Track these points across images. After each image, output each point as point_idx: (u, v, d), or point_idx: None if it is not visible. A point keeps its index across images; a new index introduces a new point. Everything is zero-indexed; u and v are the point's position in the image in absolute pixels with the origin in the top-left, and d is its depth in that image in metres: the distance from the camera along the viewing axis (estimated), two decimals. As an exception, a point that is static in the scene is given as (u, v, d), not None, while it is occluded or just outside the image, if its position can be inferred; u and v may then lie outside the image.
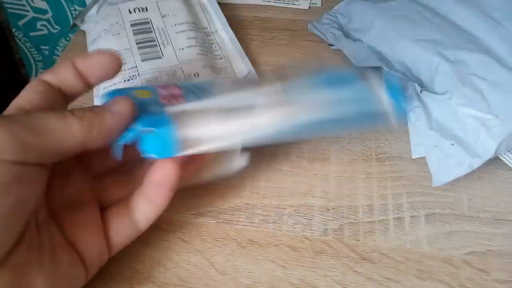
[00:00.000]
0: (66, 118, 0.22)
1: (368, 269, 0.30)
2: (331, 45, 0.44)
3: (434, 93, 0.34)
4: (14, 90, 0.26)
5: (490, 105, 0.31)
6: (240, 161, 0.30)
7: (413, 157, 0.35)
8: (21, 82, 0.76)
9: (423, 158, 0.35)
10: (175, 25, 0.42)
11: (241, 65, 0.43)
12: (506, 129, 0.30)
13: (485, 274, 0.30)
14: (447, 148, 0.32)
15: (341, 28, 0.44)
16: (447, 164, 0.32)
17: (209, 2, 0.46)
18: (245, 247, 0.31)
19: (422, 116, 0.34)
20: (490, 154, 0.30)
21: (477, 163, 0.31)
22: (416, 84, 0.35)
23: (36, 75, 0.62)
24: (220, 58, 0.43)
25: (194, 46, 0.41)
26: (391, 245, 0.31)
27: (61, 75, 0.25)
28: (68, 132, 0.22)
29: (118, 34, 0.40)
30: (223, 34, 0.45)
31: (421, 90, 0.34)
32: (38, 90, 0.24)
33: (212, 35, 0.45)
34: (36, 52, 0.72)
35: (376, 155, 0.36)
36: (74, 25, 0.45)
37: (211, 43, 0.44)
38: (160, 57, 0.39)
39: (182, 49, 0.40)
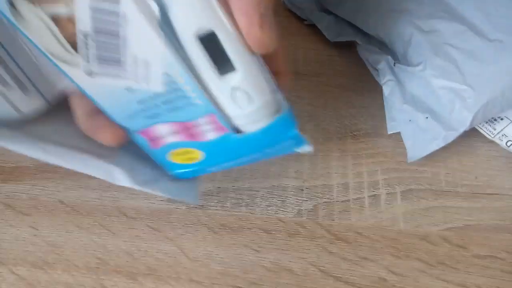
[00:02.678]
0: None
1: (343, 249, 0.29)
2: (305, 20, 0.43)
3: (408, 65, 0.32)
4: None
5: (465, 76, 0.29)
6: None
7: (389, 132, 0.34)
8: None
9: (399, 134, 0.34)
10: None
11: None
12: (481, 100, 0.29)
13: (464, 250, 0.29)
14: (422, 122, 0.31)
15: (315, 2, 0.43)
16: (422, 139, 0.31)
17: None
18: (217, 232, 0.30)
19: (396, 90, 0.33)
20: (465, 126, 0.29)
21: (452, 136, 0.30)
22: (389, 57, 0.34)
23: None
24: None
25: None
26: (367, 224, 0.30)
27: None
28: None
29: None
30: None
31: (394, 63, 0.33)
32: None
33: None
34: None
35: (351, 133, 0.35)
36: None
37: None
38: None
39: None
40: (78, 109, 0.24)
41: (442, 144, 0.30)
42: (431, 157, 0.33)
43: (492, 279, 0.28)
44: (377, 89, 0.37)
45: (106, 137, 0.23)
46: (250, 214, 0.31)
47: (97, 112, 0.23)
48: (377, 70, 0.35)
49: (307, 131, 0.35)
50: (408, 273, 0.28)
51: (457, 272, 0.28)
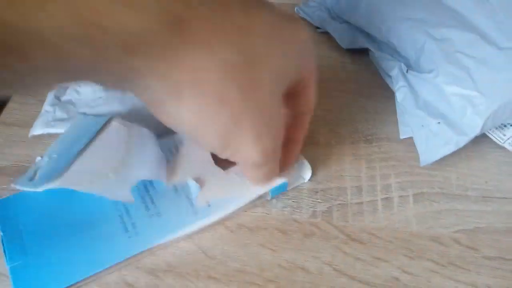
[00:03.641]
0: None
1: (357, 249, 0.30)
2: (319, 28, 0.44)
3: (420, 72, 0.34)
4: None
5: (476, 83, 0.30)
6: (306, 173, 0.33)
7: (401, 137, 0.35)
8: None
9: (411, 138, 0.35)
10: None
11: None
12: (492, 106, 0.30)
13: (474, 251, 0.30)
14: (434, 127, 0.32)
15: (328, 10, 0.44)
16: (434, 143, 0.32)
17: None
18: (234, 232, 0.31)
19: (408, 96, 0.34)
20: (476, 132, 0.30)
21: (463, 141, 0.31)
22: (402, 64, 0.35)
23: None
24: None
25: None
26: (380, 225, 0.31)
27: None
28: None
29: None
30: None
31: (407, 70, 0.34)
32: None
33: None
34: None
35: (364, 137, 0.36)
36: None
37: None
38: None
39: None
40: None
41: (453, 149, 0.31)
42: (443, 162, 0.34)
43: (502, 280, 0.28)
44: (390, 95, 0.38)
45: None
46: (266, 214, 0.32)
47: None
48: (390, 76, 0.36)
49: (320, 135, 0.36)
50: (420, 273, 0.29)
51: (468, 273, 0.29)
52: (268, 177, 0.30)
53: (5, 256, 0.28)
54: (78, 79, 0.21)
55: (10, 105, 0.39)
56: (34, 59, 0.17)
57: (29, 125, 0.37)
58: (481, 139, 0.34)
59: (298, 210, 0.32)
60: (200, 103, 0.22)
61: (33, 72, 0.18)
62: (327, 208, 0.32)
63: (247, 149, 0.25)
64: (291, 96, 0.27)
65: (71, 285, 0.27)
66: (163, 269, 0.29)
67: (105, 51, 0.18)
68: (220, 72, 0.21)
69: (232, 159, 0.27)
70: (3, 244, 0.28)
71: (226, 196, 0.31)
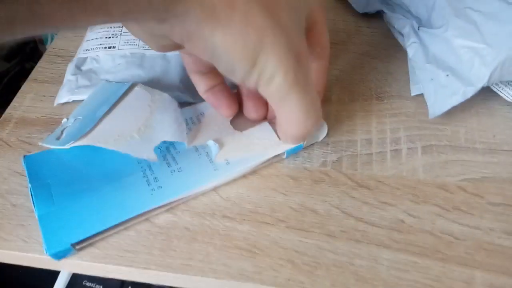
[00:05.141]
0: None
1: (365, 194, 0.31)
2: (335, -5, 0.45)
3: (431, 28, 0.35)
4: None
5: (484, 35, 0.31)
6: (322, 132, 0.35)
7: (412, 94, 0.36)
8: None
9: (422, 96, 0.36)
10: None
11: None
12: (499, 57, 0.31)
13: (479, 198, 0.31)
14: (443, 80, 0.33)
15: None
16: (442, 95, 0.33)
17: None
18: (248, 178, 0.33)
19: (419, 51, 0.35)
20: (483, 82, 0.31)
21: (471, 91, 0.32)
22: (414, 22, 0.36)
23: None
24: None
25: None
26: (388, 174, 0.32)
27: None
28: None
29: None
30: None
31: (418, 27, 0.35)
32: None
33: None
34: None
35: (375, 95, 0.37)
36: None
37: None
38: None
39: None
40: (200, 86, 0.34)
41: (461, 100, 0.32)
42: (452, 117, 0.35)
43: (505, 224, 0.29)
44: (402, 57, 0.39)
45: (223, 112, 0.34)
46: (278, 163, 0.33)
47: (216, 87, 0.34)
48: (402, 34, 0.37)
49: (333, 93, 0.38)
50: (426, 216, 0.30)
51: (472, 217, 0.30)
52: (307, 119, 0.28)
53: (34, 206, 0.30)
54: (121, 17, 0.22)
55: (40, 65, 0.42)
56: None
57: (59, 82, 0.39)
58: (490, 96, 0.35)
59: (309, 160, 0.34)
60: (230, 21, 0.23)
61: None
62: (337, 158, 0.34)
63: (273, 68, 0.25)
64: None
65: (96, 233, 0.29)
66: (182, 208, 0.31)
67: None
68: None
69: (261, 89, 0.26)
70: (32, 195, 0.30)
71: (244, 156, 0.32)
